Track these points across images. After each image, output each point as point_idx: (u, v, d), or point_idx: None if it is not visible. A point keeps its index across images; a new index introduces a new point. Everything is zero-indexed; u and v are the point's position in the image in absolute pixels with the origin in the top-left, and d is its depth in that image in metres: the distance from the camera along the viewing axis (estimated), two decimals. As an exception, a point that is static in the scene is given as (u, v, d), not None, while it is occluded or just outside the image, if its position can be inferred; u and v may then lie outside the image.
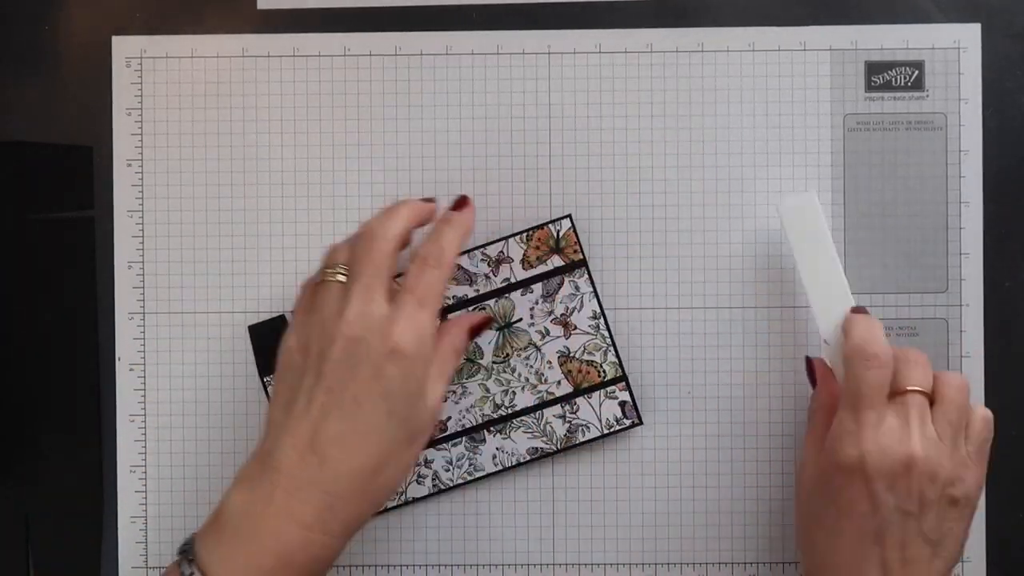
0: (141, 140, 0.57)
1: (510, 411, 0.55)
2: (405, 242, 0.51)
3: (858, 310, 0.52)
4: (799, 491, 0.51)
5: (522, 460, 0.56)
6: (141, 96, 0.57)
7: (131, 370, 0.57)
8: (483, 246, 0.56)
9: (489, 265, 0.55)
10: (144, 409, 0.57)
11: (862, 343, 0.49)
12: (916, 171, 0.57)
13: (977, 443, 0.49)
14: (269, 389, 0.54)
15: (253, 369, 0.57)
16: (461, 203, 0.53)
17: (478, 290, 0.55)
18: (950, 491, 0.48)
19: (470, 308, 0.55)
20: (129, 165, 0.57)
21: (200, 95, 0.57)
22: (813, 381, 0.53)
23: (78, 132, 0.57)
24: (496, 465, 0.56)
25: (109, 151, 0.57)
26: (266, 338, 0.56)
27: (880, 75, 0.57)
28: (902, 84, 0.57)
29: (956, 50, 0.57)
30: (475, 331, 0.53)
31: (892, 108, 0.57)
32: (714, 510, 0.56)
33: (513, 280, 0.56)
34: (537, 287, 0.55)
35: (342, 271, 0.49)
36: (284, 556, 0.46)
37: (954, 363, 0.56)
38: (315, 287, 0.50)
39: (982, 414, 0.50)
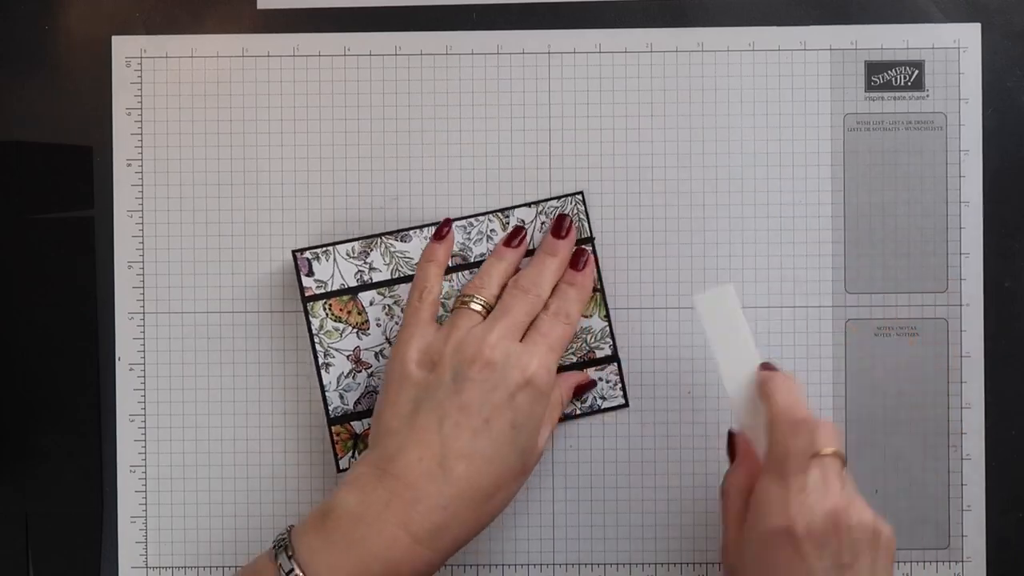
0: (141, 140, 0.57)
1: None
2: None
3: (767, 367, 0.51)
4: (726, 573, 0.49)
5: None
6: (141, 96, 0.57)
7: (131, 370, 0.57)
8: (498, 211, 0.56)
9: (503, 229, 0.56)
10: (144, 409, 0.57)
11: (788, 408, 0.48)
12: (916, 171, 0.57)
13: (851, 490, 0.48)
14: (312, 318, 0.55)
15: (253, 369, 0.57)
16: (577, 259, 0.54)
17: (482, 253, 0.56)
18: (878, 537, 0.46)
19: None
20: (129, 165, 0.57)
21: (200, 95, 0.57)
22: (732, 455, 0.51)
23: (78, 132, 0.57)
24: None
25: (109, 151, 0.57)
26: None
27: (880, 75, 0.57)
28: (902, 84, 0.57)
29: (956, 50, 0.57)
30: (580, 391, 0.55)
31: (892, 108, 0.57)
32: (714, 510, 0.56)
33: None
34: None
35: (482, 303, 0.52)
36: (392, 565, 0.46)
37: (954, 363, 0.56)
38: (453, 309, 0.52)
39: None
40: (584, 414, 0.56)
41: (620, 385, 0.56)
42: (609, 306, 0.56)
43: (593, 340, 0.55)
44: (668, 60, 0.57)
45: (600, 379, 0.56)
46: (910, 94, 0.57)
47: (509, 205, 0.56)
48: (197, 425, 0.57)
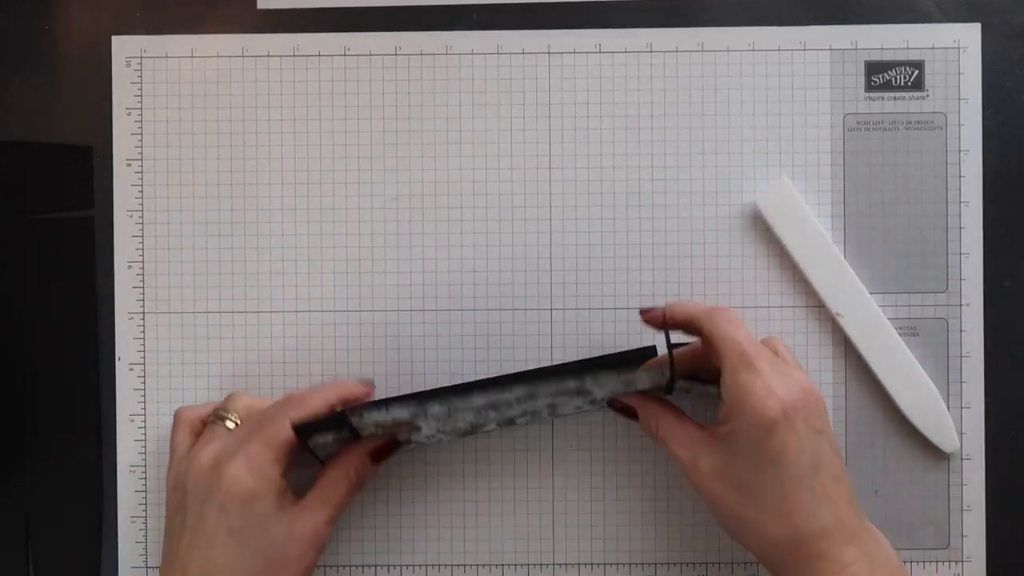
0: (141, 140, 0.57)
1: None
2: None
3: (648, 310, 0.52)
4: (710, 489, 0.49)
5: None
6: (141, 96, 0.57)
7: (131, 370, 0.57)
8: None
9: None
10: (144, 409, 0.57)
11: (715, 309, 0.50)
12: (916, 171, 0.57)
13: (793, 361, 0.53)
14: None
15: (253, 368, 0.57)
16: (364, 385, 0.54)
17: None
18: (821, 400, 0.50)
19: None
20: (129, 165, 0.57)
21: (200, 95, 0.57)
22: (633, 414, 0.53)
23: (78, 132, 0.57)
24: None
25: (109, 151, 0.57)
26: (311, 431, 0.52)
27: (880, 75, 0.57)
28: (902, 84, 0.57)
29: (956, 50, 0.57)
30: (378, 455, 0.53)
31: (892, 108, 0.57)
32: (714, 510, 0.56)
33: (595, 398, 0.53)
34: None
35: (233, 419, 0.53)
36: None
37: (954, 363, 0.56)
38: (205, 426, 0.53)
39: (779, 342, 0.53)
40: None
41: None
42: (612, 306, 0.56)
43: None
44: (668, 60, 0.57)
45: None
46: (910, 94, 0.57)
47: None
48: (197, 425, 0.57)
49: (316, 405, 0.51)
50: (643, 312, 0.52)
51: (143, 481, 0.57)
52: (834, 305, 0.56)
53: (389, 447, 0.53)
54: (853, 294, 0.56)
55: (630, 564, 0.57)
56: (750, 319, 0.56)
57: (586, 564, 0.57)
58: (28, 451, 0.57)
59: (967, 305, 0.56)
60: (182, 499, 0.51)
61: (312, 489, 0.52)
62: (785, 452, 0.47)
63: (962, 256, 0.56)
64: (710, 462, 0.49)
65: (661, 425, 0.52)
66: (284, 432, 0.50)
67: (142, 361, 0.57)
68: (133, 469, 0.57)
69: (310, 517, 0.51)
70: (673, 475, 0.57)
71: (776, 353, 0.52)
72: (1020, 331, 0.57)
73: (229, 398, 0.54)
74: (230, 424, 0.52)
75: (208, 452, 0.50)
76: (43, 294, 0.57)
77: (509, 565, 0.57)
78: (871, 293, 0.56)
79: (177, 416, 0.53)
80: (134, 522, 0.57)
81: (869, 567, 0.47)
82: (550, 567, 0.57)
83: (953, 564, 0.56)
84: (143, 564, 0.57)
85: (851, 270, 0.56)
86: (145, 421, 0.57)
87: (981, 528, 0.56)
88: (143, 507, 0.57)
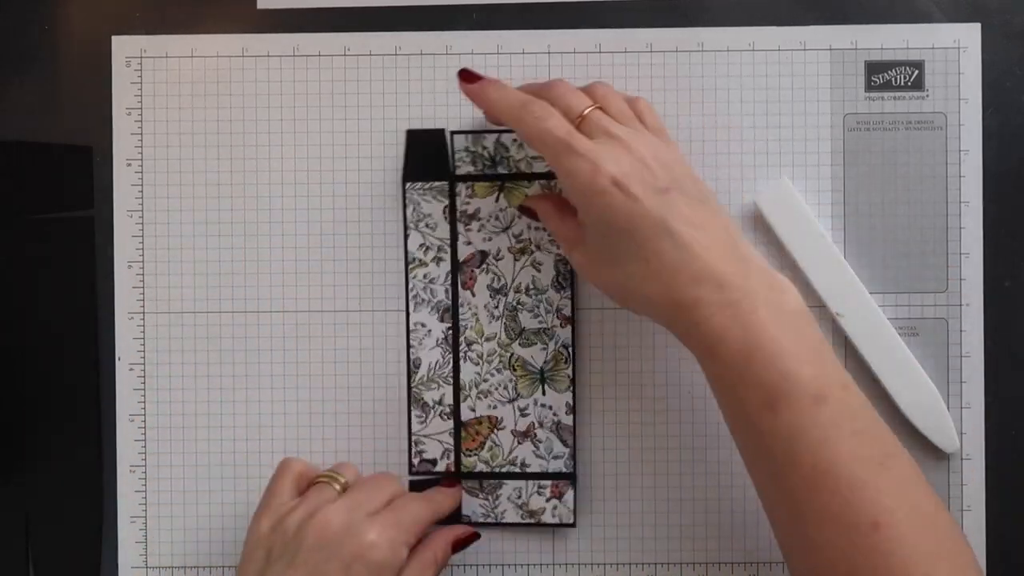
0: (141, 140, 0.57)
1: None
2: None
3: (469, 77, 0.53)
4: (588, 272, 0.52)
5: None
6: (141, 96, 0.57)
7: (131, 370, 0.57)
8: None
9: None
10: (144, 409, 0.57)
11: (512, 100, 0.51)
12: (916, 171, 0.57)
13: (657, 124, 0.52)
14: (407, 196, 0.56)
15: (253, 369, 0.57)
16: (451, 483, 0.56)
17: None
18: (674, 166, 0.50)
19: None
20: (129, 165, 0.57)
21: (200, 95, 0.57)
22: (533, 214, 0.55)
23: (78, 132, 0.57)
24: None
25: (109, 151, 0.57)
26: (421, 146, 0.56)
27: (880, 75, 0.57)
28: (902, 84, 0.57)
29: (956, 50, 0.57)
30: (459, 545, 0.54)
31: (892, 108, 0.57)
32: (714, 510, 0.56)
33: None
34: None
35: (341, 483, 0.52)
36: None
37: (954, 363, 0.56)
38: (311, 484, 0.52)
39: (644, 104, 0.53)
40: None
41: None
42: (604, 305, 0.56)
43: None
44: (668, 60, 0.57)
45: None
46: (910, 94, 0.57)
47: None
48: (197, 425, 0.57)
49: (446, 511, 0.55)
50: (464, 77, 0.53)
51: (143, 481, 0.57)
52: (834, 305, 0.56)
53: (469, 538, 0.55)
54: (853, 294, 0.56)
55: (630, 564, 0.57)
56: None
57: (586, 564, 0.57)
58: (28, 451, 0.57)
59: (967, 305, 0.56)
60: (288, 548, 0.49)
61: (407, 567, 0.52)
62: (631, 219, 0.48)
63: (962, 256, 0.56)
64: (581, 250, 0.51)
65: (550, 224, 0.54)
66: (419, 523, 0.52)
67: (142, 361, 0.57)
68: (133, 469, 0.57)
69: None
70: (673, 475, 0.57)
71: (614, 113, 0.51)
72: (1020, 331, 0.57)
73: (340, 465, 0.54)
74: (338, 487, 0.52)
75: (337, 512, 0.50)
76: (43, 294, 0.57)
77: (509, 565, 0.57)
78: (871, 293, 0.56)
79: (284, 464, 0.53)
80: (134, 522, 0.57)
81: (752, 305, 0.47)
82: (550, 567, 0.57)
83: (953, 564, 0.56)
84: (143, 564, 0.57)
85: (851, 270, 0.56)
86: (145, 421, 0.57)
87: (981, 528, 0.56)
88: (143, 507, 0.57)
